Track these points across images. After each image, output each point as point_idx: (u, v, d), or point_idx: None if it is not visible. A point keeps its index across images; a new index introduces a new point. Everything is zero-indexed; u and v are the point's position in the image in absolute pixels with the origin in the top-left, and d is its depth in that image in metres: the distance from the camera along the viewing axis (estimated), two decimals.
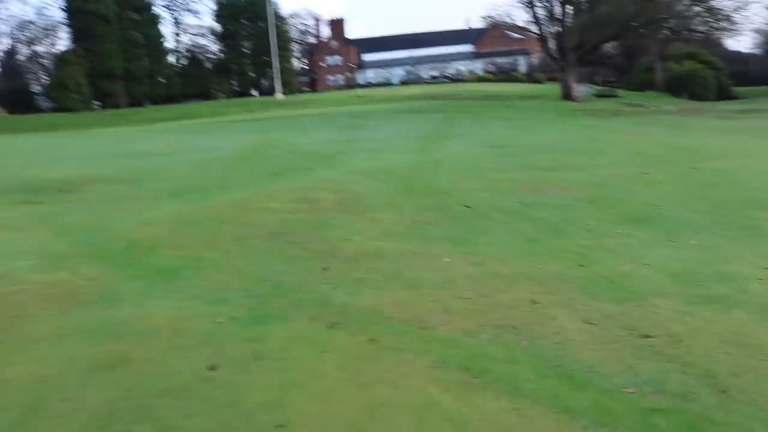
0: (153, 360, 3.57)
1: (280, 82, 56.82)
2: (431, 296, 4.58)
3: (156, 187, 9.29)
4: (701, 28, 43.00)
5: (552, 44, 39.93)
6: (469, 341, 3.79)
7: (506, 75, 67.61)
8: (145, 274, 5.21)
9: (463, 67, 73.97)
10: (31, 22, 65.99)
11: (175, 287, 4.88)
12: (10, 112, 47.56)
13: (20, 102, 54.65)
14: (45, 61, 58.99)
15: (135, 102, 59.89)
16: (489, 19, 47.79)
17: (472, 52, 77.20)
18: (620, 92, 44.76)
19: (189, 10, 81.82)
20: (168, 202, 8.13)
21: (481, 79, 66.19)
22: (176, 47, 73.91)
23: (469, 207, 7.75)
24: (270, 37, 57.08)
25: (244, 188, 8.91)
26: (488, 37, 74.99)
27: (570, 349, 3.65)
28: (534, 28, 39.38)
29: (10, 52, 64.37)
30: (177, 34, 77.20)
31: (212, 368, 3.47)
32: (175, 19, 77.20)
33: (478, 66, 73.80)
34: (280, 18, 73.27)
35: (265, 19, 62.86)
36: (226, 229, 6.64)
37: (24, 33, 65.06)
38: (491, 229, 6.72)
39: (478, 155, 12.64)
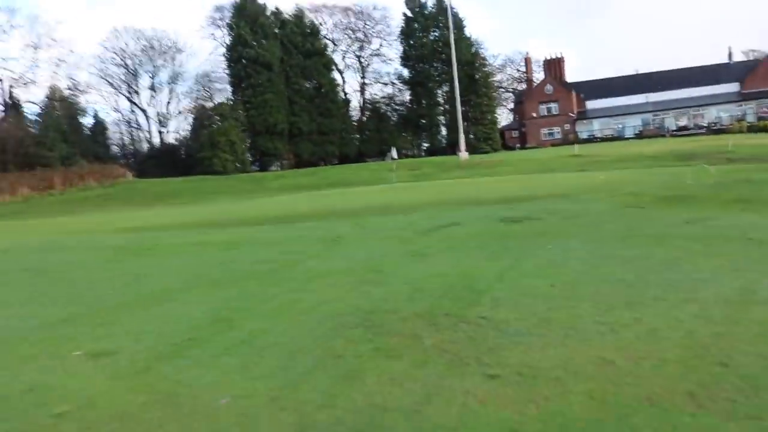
0: None
1: (462, 138, 44.27)
2: None
3: None
4: None
5: None
6: None
7: None
8: None
9: (723, 113, 54.85)
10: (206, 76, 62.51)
11: None
12: (139, 176, 41.14)
13: (176, 163, 48.85)
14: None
15: (303, 162, 51.62)
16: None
17: (736, 93, 57.15)
18: None
19: (377, 55, 71.68)
20: None
21: (751, 129, 48.08)
22: (357, 99, 66.24)
23: None
24: (453, 81, 45.45)
25: None
26: (759, 73, 55.74)
27: None
28: None
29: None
30: (362, 85, 69.05)
31: None
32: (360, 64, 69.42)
33: (746, 111, 54.24)
34: (478, 58, 61.78)
35: (463, 63, 52.17)
36: None
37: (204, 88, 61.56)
38: None
39: None
